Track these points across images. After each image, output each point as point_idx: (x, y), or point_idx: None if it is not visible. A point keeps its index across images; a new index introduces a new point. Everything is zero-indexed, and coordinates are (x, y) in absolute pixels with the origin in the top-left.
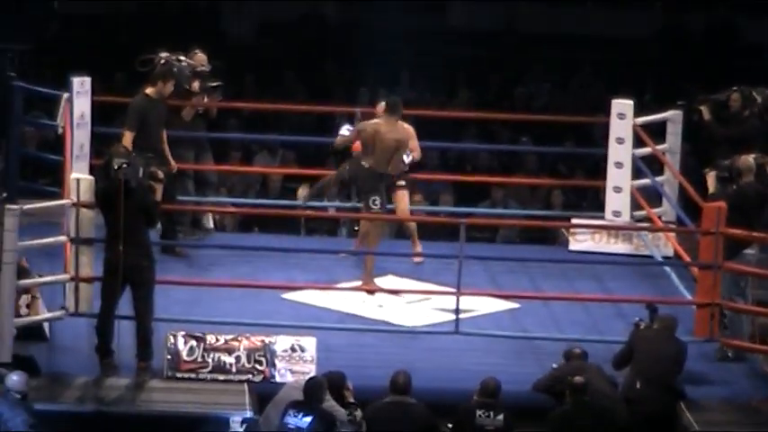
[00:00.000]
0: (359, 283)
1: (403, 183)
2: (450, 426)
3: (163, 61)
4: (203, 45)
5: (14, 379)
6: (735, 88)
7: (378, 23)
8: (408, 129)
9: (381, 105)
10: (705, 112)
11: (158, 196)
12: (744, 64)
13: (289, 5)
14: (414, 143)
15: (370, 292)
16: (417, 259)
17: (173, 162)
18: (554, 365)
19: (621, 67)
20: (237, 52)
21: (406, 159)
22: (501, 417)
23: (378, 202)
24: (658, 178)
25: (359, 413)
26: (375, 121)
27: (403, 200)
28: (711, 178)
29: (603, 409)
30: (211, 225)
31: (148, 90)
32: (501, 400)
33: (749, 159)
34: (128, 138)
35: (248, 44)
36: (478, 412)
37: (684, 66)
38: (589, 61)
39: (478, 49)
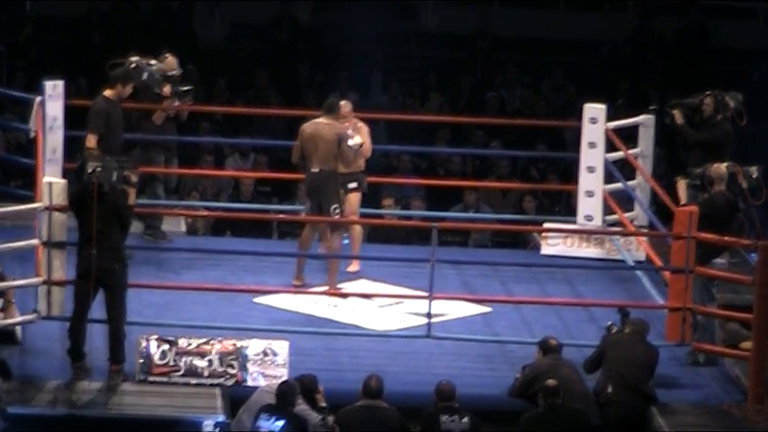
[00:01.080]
0: (330, 286)
1: (355, 185)
2: (419, 429)
3: (133, 65)
4: (175, 47)
5: None
6: (708, 93)
7: (350, 26)
8: (361, 127)
9: (346, 105)
10: (678, 116)
11: (131, 200)
12: (715, 67)
13: (261, 7)
14: (366, 142)
15: (343, 296)
16: (353, 267)
17: None
18: (517, 376)
19: (594, 70)
20: (209, 55)
21: (351, 143)
22: (467, 419)
23: (338, 210)
24: (630, 182)
25: (331, 418)
26: (313, 121)
27: (353, 202)
28: (682, 187)
29: (576, 412)
30: (183, 228)
31: (107, 92)
32: (459, 401)
33: (721, 168)
34: (92, 141)
35: (220, 47)
36: (443, 417)
37: (656, 70)
38: (561, 65)
39: (451, 52)
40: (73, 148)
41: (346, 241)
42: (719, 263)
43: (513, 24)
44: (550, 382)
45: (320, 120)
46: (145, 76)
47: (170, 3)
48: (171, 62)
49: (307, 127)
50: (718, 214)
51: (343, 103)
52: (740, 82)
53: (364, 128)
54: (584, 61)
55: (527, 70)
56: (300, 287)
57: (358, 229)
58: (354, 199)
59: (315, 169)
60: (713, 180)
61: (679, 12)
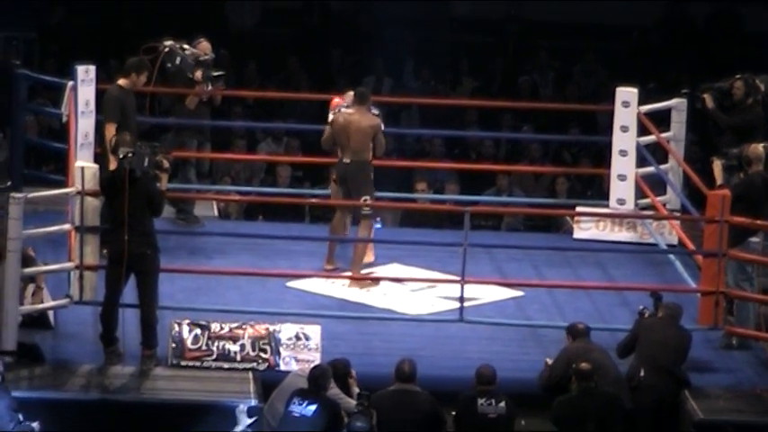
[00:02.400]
0: (365, 271)
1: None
2: (453, 413)
3: (167, 49)
4: (206, 32)
5: None
6: (738, 76)
7: (381, 11)
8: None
9: (350, 94)
10: (708, 100)
11: (164, 185)
12: (746, 52)
13: None
14: (380, 136)
15: (375, 280)
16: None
17: None
18: (548, 360)
19: (625, 55)
20: (240, 40)
21: None
22: (503, 404)
23: (368, 201)
24: (662, 166)
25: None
26: (345, 111)
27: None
28: (718, 167)
29: (610, 396)
30: (215, 213)
31: (121, 81)
32: (499, 386)
33: (759, 148)
34: (111, 129)
35: (251, 31)
36: (480, 401)
37: (687, 54)
38: (592, 50)
39: (482, 37)
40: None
41: (378, 225)
42: (755, 242)
43: (543, 9)
44: (584, 365)
45: (353, 110)
46: (178, 60)
47: None
48: (204, 47)
49: (339, 116)
50: (755, 194)
51: (369, 98)
52: None
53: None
54: (616, 46)
55: (558, 55)
56: (332, 271)
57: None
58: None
59: (346, 160)
60: (751, 160)
61: None
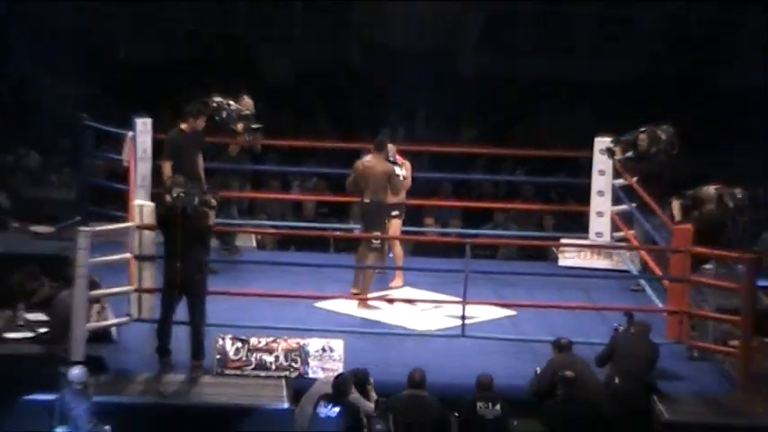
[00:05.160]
0: (381, 293)
1: (397, 212)
2: (456, 415)
3: (215, 104)
4: (246, 88)
5: (75, 372)
6: (642, 129)
7: (397, 72)
8: (405, 163)
9: (392, 147)
10: (618, 151)
11: (211, 221)
12: (713, 108)
13: (319, 52)
14: (408, 177)
15: (390, 301)
16: (396, 283)
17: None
18: (537, 369)
19: (610, 107)
20: (276, 95)
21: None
22: (498, 407)
23: (378, 242)
24: (634, 204)
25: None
26: (365, 159)
27: (395, 226)
28: (676, 206)
29: (592, 402)
30: (254, 244)
31: (182, 125)
32: (495, 392)
33: (711, 190)
34: (166, 167)
35: (286, 88)
36: (479, 404)
37: (661, 109)
38: (580, 103)
39: (484, 91)
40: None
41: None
42: (708, 268)
43: (537, 68)
44: (568, 374)
45: (371, 158)
46: (224, 114)
47: (240, 50)
48: (247, 103)
49: (360, 164)
50: (708, 229)
51: (390, 146)
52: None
53: (408, 164)
54: (601, 99)
55: (549, 108)
56: (357, 295)
57: (399, 250)
58: (396, 224)
59: (366, 199)
60: (704, 200)
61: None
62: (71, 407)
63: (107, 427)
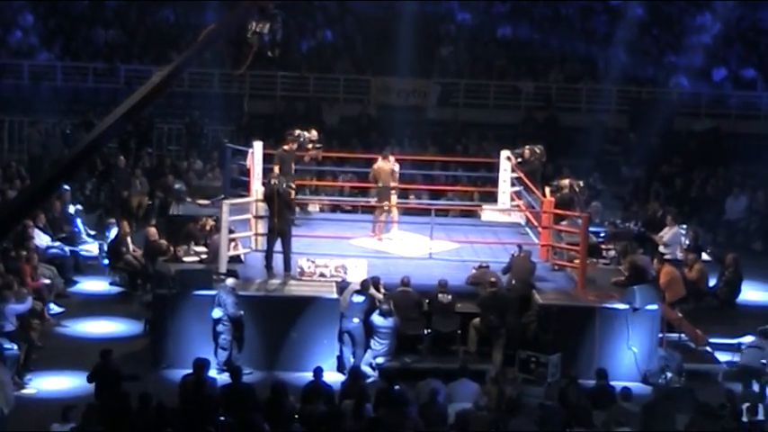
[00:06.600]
0: (386, 235)
1: (394, 192)
2: (427, 301)
3: (297, 134)
4: (314, 125)
5: (230, 280)
6: (527, 146)
7: (393, 118)
8: (396, 164)
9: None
10: (513, 158)
11: (293, 197)
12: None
13: (352, 108)
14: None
15: (391, 240)
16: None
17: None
18: (473, 269)
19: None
20: (330, 130)
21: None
22: (449, 296)
23: (387, 207)
24: (522, 188)
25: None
26: (378, 163)
27: (393, 199)
28: (548, 191)
29: (502, 294)
30: (318, 209)
31: (285, 146)
32: (448, 288)
33: (565, 181)
34: (276, 169)
35: (335, 126)
36: (439, 295)
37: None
38: (498, 135)
39: (443, 127)
40: (267, 172)
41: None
42: (563, 223)
43: (468, 117)
44: (492, 279)
45: (381, 161)
46: (302, 139)
47: (310, 106)
48: (313, 134)
49: (375, 166)
50: (563, 202)
51: (390, 156)
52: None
53: (398, 165)
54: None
55: (480, 136)
56: (373, 236)
57: (395, 212)
58: (394, 199)
59: (380, 184)
60: (561, 187)
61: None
62: (224, 299)
63: (241, 312)
